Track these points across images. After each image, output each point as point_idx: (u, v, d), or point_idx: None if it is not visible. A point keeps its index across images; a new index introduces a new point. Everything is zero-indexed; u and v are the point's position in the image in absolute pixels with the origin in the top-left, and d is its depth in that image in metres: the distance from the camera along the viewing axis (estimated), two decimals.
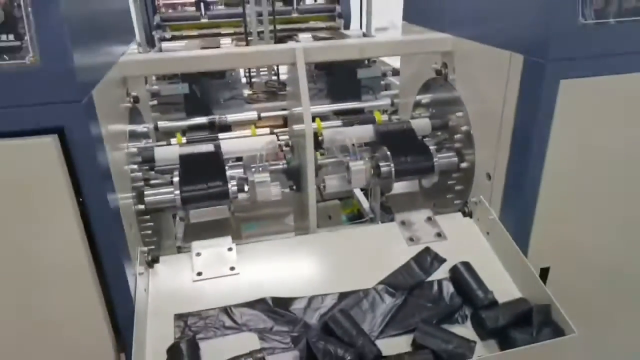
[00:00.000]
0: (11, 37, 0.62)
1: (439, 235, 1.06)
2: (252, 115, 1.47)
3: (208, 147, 1.08)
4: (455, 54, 1.12)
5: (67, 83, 0.64)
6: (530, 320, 0.85)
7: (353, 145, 1.13)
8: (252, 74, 1.93)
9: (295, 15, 2.32)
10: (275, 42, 2.02)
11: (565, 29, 0.83)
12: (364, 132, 1.20)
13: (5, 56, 0.61)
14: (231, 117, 1.46)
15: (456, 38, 1.11)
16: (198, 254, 1.00)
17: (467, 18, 1.08)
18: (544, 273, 1.03)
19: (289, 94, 1.20)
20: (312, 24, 2.37)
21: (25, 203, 0.68)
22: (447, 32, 1.15)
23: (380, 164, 1.11)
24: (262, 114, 1.47)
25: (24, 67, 0.62)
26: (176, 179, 0.99)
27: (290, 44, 1.30)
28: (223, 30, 2.28)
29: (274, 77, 1.82)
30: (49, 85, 0.64)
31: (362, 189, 1.73)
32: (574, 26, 0.83)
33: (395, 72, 1.69)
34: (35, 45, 0.62)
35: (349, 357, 0.77)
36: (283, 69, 1.97)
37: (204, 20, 2.35)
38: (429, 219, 1.10)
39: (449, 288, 0.95)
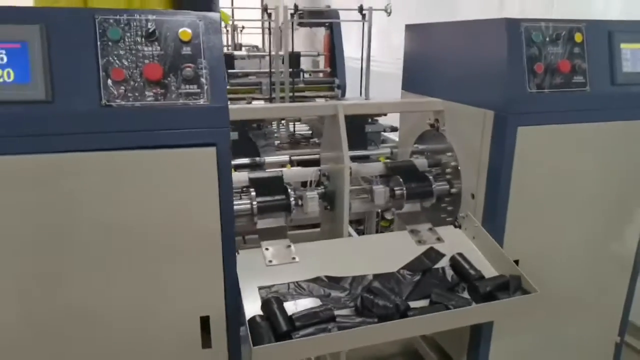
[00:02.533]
0: (196, 87, 1.01)
1: (438, 239, 1.45)
2: (284, 158, 1.88)
3: (270, 174, 1.47)
4: (445, 112, 1.58)
5: (223, 116, 1.04)
6: (507, 287, 1.24)
7: (375, 176, 1.54)
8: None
9: (302, 85, 2.81)
10: None
11: (520, 95, 1.30)
12: (379, 167, 1.62)
13: (192, 98, 1.01)
14: (269, 159, 1.87)
15: (445, 101, 1.58)
16: (267, 249, 1.35)
17: (453, 87, 1.55)
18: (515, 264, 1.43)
19: (325, 139, 1.61)
20: (314, 92, 2.86)
21: (192, 184, 1.05)
22: (437, 97, 1.62)
23: (395, 188, 1.53)
24: (293, 157, 1.88)
25: (201, 106, 1.02)
26: (253, 194, 1.37)
27: (333, 102, 1.76)
28: (240, 95, 2.74)
29: (292, 131, 2.26)
30: (214, 117, 1.03)
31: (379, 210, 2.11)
32: (525, 94, 1.30)
33: (393, 129, 2.15)
34: (209, 93, 1.02)
35: (390, 305, 1.13)
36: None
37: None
38: (430, 229, 1.50)
39: (450, 272, 1.33)
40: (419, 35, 1.79)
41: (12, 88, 0.92)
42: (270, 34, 2.52)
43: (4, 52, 0.91)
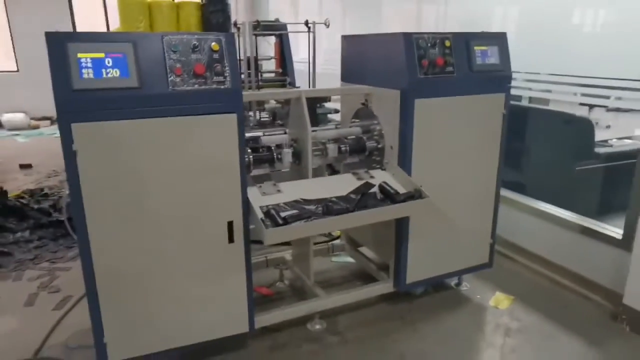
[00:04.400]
0: (222, 78, 1.69)
1: (371, 177, 2.20)
2: (259, 133, 2.56)
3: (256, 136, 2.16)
4: (372, 94, 2.33)
5: (238, 95, 1.72)
6: (414, 196, 2.01)
7: (327, 140, 2.27)
8: None
9: (261, 83, 3.48)
10: None
11: (414, 80, 2.07)
12: (330, 133, 2.35)
13: (221, 84, 1.68)
14: (248, 134, 2.54)
15: (371, 87, 2.33)
16: (260, 186, 2.03)
17: (376, 77, 2.31)
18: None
19: (292, 116, 2.31)
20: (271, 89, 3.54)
21: (224, 137, 1.71)
22: (366, 84, 2.37)
23: (341, 146, 2.26)
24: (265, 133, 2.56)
25: (226, 89, 1.69)
26: (249, 150, 2.05)
27: (297, 89, 2.48)
28: None
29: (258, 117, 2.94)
30: (233, 96, 1.71)
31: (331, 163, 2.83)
32: (417, 79, 2.07)
33: (336, 111, 2.89)
34: (230, 81, 1.69)
35: (343, 207, 1.86)
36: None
37: None
38: (366, 171, 2.25)
39: (379, 193, 2.08)
40: (352, 42, 2.54)
41: (118, 81, 1.55)
42: (239, 42, 3.18)
43: (111, 59, 1.54)
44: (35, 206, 3.70)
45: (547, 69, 2.83)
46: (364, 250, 2.82)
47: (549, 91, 3.15)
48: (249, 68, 3.09)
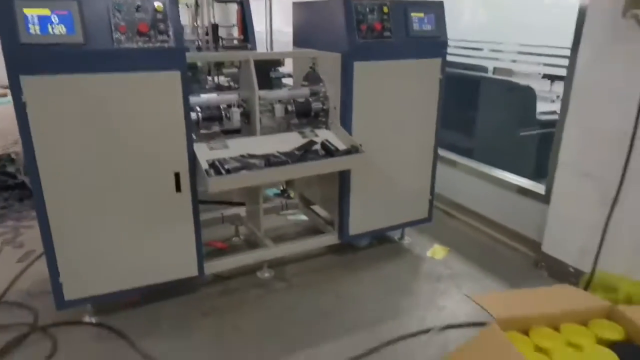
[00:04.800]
0: (166, 37, 1.80)
1: (316, 135, 2.36)
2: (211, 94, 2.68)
3: (207, 97, 2.28)
4: (318, 58, 2.46)
5: (182, 54, 1.83)
6: (351, 151, 2.17)
7: (275, 101, 2.40)
8: None
9: (222, 50, 3.57)
10: None
11: (354, 44, 2.21)
12: (278, 94, 2.48)
13: (165, 43, 1.79)
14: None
15: (318, 50, 2.46)
16: (208, 142, 2.16)
17: (321, 42, 2.43)
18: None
19: (242, 78, 2.43)
20: None
21: (169, 92, 1.83)
22: (314, 49, 2.49)
23: (287, 106, 2.40)
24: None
25: (169, 47, 1.80)
26: (198, 109, 2.17)
27: (246, 52, 2.58)
28: None
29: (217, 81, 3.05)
30: (177, 54, 1.82)
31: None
32: (357, 43, 2.21)
33: (289, 75, 3.02)
34: (173, 40, 1.81)
35: (284, 159, 2.01)
36: None
37: None
38: (311, 130, 2.40)
39: (321, 150, 2.24)
40: (301, 9, 2.66)
41: (64, 37, 1.65)
42: (196, 10, 3.25)
43: (57, 16, 1.64)
44: (1, 170, 3.77)
45: (512, 40, 3.00)
46: (316, 208, 2.99)
47: (513, 61, 3.34)
48: (207, 34, 3.19)
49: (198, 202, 2.04)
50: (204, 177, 1.87)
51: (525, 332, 1.36)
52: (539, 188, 2.62)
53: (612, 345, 1.30)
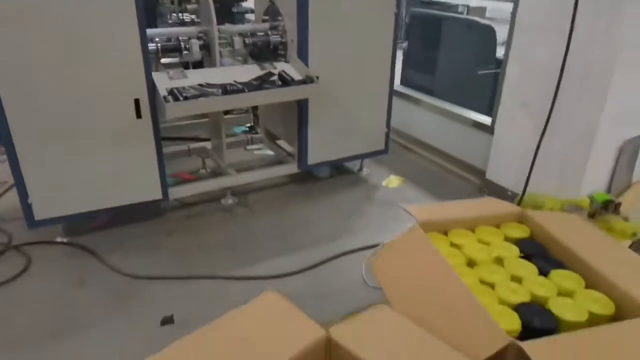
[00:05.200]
0: None
1: (274, 67, 2.44)
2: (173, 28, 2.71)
3: (168, 29, 2.32)
4: None
5: None
6: (306, 81, 2.27)
7: (234, 34, 2.45)
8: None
9: None
10: None
11: None
12: (238, 28, 2.53)
13: None
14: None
15: None
16: (168, 71, 2.23)
17: None
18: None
19: (202, 14, 2.46)
20: None
21: (120, 24, 1.88)
22: None
23: (246, 39, 2.46)
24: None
25: None
26: (157, 39, 2.21)
27: None
28: None
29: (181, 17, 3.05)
30: None
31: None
32: None
33: (252, 11, 3.04)
34: None
35: (240, 87, 2.10)
36: None
37: None
38: (270, 63, 2.47)
39: (278, 81, 2.33)
40: None
41: None
42: None
43: None
44: None
45: None
46: (281, 143, 3.11)
47: None
48: None
49: (159, 129, 2.14)
50: (162, 104, 1.96)
51: (445, 234, 1.54)
52: (487, 121, 2.77)
53: (517, 241, 1.49)
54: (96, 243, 2.19)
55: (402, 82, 3.67)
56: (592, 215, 2.12)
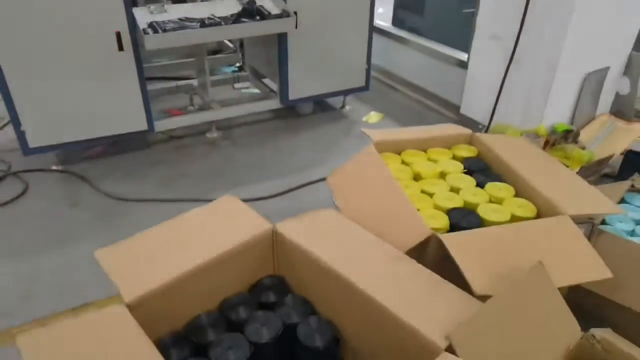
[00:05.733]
0: None
1: (254, 3, 2.49)
2: None
3: None
4: None
5: None
6: (282, 15, 2.33)
7: None
8: None
9: None
10: None
11: None
12: None
13: None
14: None
15: None
16: (149, 7, 2.29)
17: None
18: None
19: None
20: None
21: None
22: None
23: None
24: None
25: None
26: None
27: None
28: None
29: None
30: None
31: None
32: None
33: None
34: None
35: (218, 21, 2.17)
36: None
37: None
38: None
39: (254, 12, 2.39)
40: None
41: None
42: None
43: None
44: None
45: None
46: (267, 81, 3.19)
47: None
48: None
49: (141, 62, 2.23)
50: (142, 36, 2.04)
51: (399, 154, 1.66)
52: (465, 57, 2.82)
53: (463, 160, 1.62)
54: (88, 171, 2.34)
55: (394, 23, 3.68)
56: (552, 144, 2.23)
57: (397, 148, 1.67)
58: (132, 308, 0.95)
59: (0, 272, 1.73)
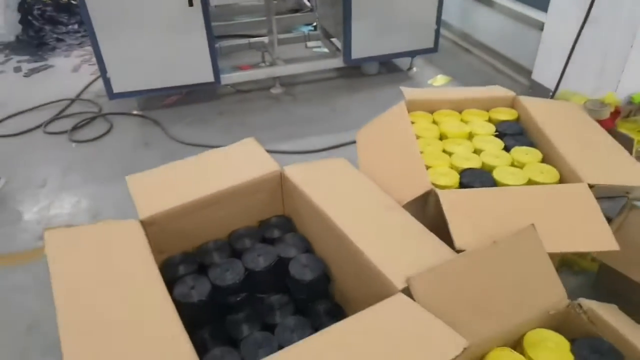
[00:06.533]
0: None
1: None
2: None
3: None
4: None
5: None
6: None
7: None
8: None
9: None
10: None
11: None
12: None
13: None
14: None
15: None
16: None
17: None
18: None
19: None
20: None
21: None
22: None
23: None
24: None
25: None
26: None
27: None
28: None
29: None
30: None
31: None
32: None
33: None
34: None
35: None
36: None
37: None
38: None
39: None
40: None
41: None
42: None
43: None
44: None
45: None
46: (335, 41, 3.20)
47: None
48: None
49: (209, 16, 2.38)
50: None
51: (432, 113, 1.63)
52: (543, 17, 2.59)
53: (499, 123, 1.54)
54: (162, 117, 2.59)
55: None
56: (626, 116, 2.01)
57: (432, 107, 1.64)
58: (146, 224, 1.10)
59: (82, 193, 2.04)
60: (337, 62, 2.82)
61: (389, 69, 3.05)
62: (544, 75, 2.46)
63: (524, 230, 1.01)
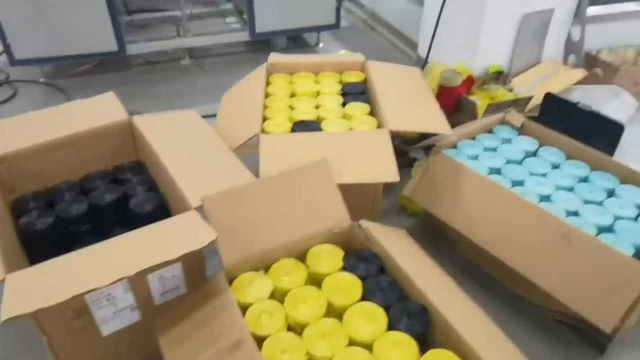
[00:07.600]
0: None
1: None
2: None
3: None
4: None
5: None
6: None
7: None
8: None
9: None
10: None
11: None
12: None
13: None
14: None
15: None
16: None
17: None
18: None
19: None
20: None
21: None
22: None
23: None
24: None
25: None
26: None
27: None
28: None
29: None
30: None
31: None
32: None
33: None
34: None
35: None
36: None
37: None
38: None
39: None
40: None
41: None
42: None
43: None
44: None
45: None
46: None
47: None
48: None
49: None
50: None
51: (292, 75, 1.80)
52: None
53: (347, 84, 1.73)
54: (69, 85, 2.66)
55: None
56: (482, 84, 2.26)
57: (293, 70, 1.82)
58: None
59: None
60: (244, 36, 2.95)
61: (297, 43, 3.21)
62: (424, 49, 2.68)
63: (316, 162, 1.20)
